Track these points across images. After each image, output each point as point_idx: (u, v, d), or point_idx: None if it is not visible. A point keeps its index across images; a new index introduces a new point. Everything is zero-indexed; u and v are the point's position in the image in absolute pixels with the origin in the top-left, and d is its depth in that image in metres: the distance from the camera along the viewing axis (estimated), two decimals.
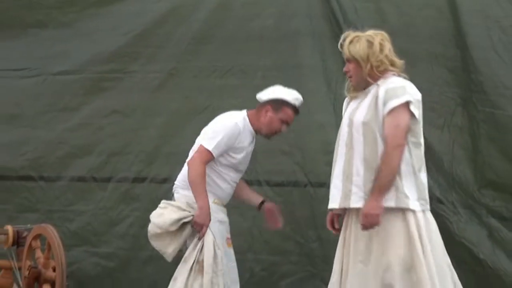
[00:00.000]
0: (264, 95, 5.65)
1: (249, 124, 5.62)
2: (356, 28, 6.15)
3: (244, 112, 5.66)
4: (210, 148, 5.48)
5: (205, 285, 5.37)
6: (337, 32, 6.16)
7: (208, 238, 5.46)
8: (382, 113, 5.01)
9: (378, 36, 5.10)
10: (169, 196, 6.14)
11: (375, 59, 5.04)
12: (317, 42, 6.18)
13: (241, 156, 5.58)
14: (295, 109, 5.60)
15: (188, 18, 6.53)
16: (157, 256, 5.90)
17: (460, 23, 6.18)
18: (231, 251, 5.60)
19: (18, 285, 4.66)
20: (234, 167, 5.62)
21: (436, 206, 6.05)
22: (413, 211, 4.97)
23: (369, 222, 4.93)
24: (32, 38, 6.74)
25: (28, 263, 4.52)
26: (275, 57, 6.29)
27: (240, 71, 6.30)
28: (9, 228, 4.73)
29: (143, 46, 6.58)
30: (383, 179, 4.95)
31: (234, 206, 5.83)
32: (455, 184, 6.19)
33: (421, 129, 5.04)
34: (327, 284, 5.92)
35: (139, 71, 6.59)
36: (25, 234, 4.72)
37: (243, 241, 6.26)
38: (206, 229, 5.43)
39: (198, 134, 5.93)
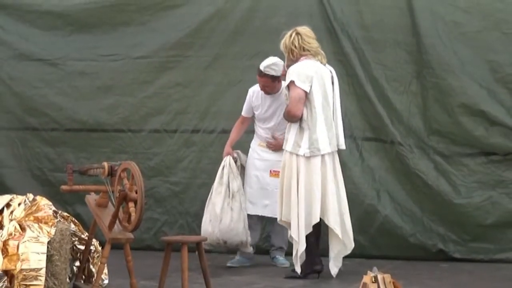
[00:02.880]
0: None
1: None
2: (343, 24, 6.23)
3: None
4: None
5: (212, 192, 5.75)
6: (329, 26, 6.33)
7: (221, 166, 5.79)
8: (286, 92, 5.24)
9: (292, 32, 5.26)
10: (216, 142, 6.46)
11: (289, 48, 5.23)
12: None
13: (258, 111, 5.81)
14: (260, 73, 5.67)
15: (227, 17, 6.55)
16: (207, 182, 6.21)
17: (415, 19, 6.18)
18: (271, 180, 5.70)
19: (112, 203, 4.59)
20: (260, 119, 5.83)
21: (398, 148, 6.19)
22: (302, 156, 5.15)
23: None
24: (119, 33, 6.76)
25: (119, 187, 4.43)
26: None
27: (263, 55, 6.15)
28: (105, 164, 4.66)
29: (196, 37, 6.60)
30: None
31: None
32: (411, 132, 6.23)
33: (318, 96, 5.15)
34: None
35: (193, 56, 6.61)
36: (116, 168, 4.57)
37: None
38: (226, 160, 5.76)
39: (235, 99, 6.20)
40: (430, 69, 6.17)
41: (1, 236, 4.45)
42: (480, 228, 6.08)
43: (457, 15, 6.17)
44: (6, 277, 4.35)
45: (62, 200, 6.56)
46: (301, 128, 5.23)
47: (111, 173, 4.64)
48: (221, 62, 6.61)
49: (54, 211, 4.68)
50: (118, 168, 4.52)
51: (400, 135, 6.23)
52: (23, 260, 4.31)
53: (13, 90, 6.97)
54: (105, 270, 4.80)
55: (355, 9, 6.31)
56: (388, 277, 3.85)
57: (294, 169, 5.23)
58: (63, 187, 4.72)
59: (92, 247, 4.84)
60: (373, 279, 3.81)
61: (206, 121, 6.63)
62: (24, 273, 4.29)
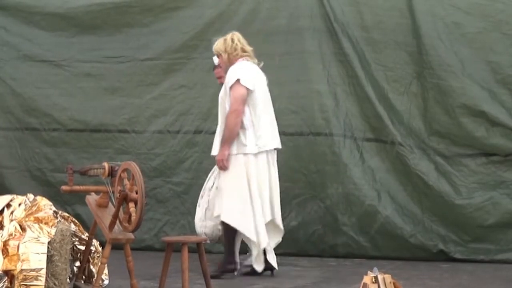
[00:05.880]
0: None
1: None
2: (343, 25, 6.23)
3: None
4: None
5: None
6: (329, 27, 6.26)
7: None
8: (227, 91, 5.16)
9: (229, 35, 5.24)
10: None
11: (229, 48, 5.18)
12: (316, 34, 6.15)
13: None
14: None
15: (230, 19, 6.47)
16: None
17: (415, 20, 6.12)
18: None
19: (112, 203, 4.53)
20: None
21: (399, 148, 6.14)
22: (250, 154, 5.08)
23: (219, 165, 5.13)
24: (124, 35, 6.71)
25: (119, 188, 4.38)
26: (287, 45, 6.30)
27: (265, 56, 5.99)
28: (106, 164, 4.59)
29: (200, 40, 6.53)
30: (225, 135, 5.09)
31: None
32: (411, 133, 6.16)
33: (260, 94, 5.15)
34: (324, 203, 6.08)
35: (198, 58, 6.55)
36: (116, 168, 4.51)
37: None
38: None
39: None
40: (431, 70, 6.12)
41: (1, 236, 4.45)
42: (480, 228, 6.02)
43: (458, 16, 6.11)
44: (6, 278, 4.37)
45: (61, 201, 6.51)
46: (243, 127, 5.14)
47: (112, 173, 4.58)
48: None
49: (54, 211, 4.66)
50: (119, 169, 4.45)
51: (400, 136, 6.17)
52: (23, 260, 4.28)
53: (15, 91, 6.93)
54: (105, 271, 4.78)
55: (355, 10, 6.26)
56: (388, 277, 3.80)
57: (242, 169, 5.14)
58: (64, 187, 4.65)
59: (92, 248, 4.81)
60: (374, 280, 3.76)
61: (208, 122, 6.56)
62: (25, 273, 4.26)
